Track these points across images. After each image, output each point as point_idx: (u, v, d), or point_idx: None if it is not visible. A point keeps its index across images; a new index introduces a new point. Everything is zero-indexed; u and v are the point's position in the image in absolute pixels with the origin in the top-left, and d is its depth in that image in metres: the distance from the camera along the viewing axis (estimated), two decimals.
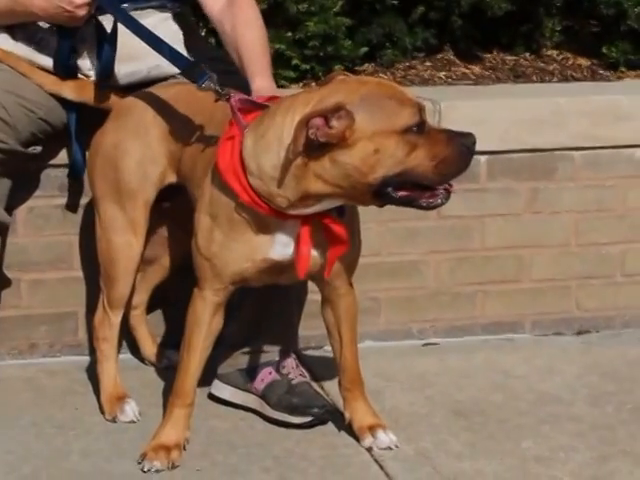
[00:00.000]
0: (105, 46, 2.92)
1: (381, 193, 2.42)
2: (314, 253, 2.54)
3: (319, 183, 2.41)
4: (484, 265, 3.53)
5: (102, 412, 2.90)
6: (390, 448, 2.73)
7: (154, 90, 2.93)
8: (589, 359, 3.38)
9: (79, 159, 3.09)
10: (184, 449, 2.66)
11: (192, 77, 2.69)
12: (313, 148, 2.38)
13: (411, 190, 2.43)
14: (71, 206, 3.27)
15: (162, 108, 2.83)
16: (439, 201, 2.45)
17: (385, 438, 2.74)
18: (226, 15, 2.94)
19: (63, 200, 3.26)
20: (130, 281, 2.90)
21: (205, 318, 2.63)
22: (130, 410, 2.87)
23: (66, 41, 2.95)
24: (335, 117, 2.36)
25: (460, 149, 2.42)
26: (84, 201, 3.24)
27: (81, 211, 3.27)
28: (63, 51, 2.97)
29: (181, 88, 2.86)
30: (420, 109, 2.42)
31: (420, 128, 2.40)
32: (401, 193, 2.44)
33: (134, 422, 2.86)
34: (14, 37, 3.01)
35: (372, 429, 2.76)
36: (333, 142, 2.37)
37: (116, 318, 2.92)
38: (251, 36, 2.89)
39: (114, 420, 2.86)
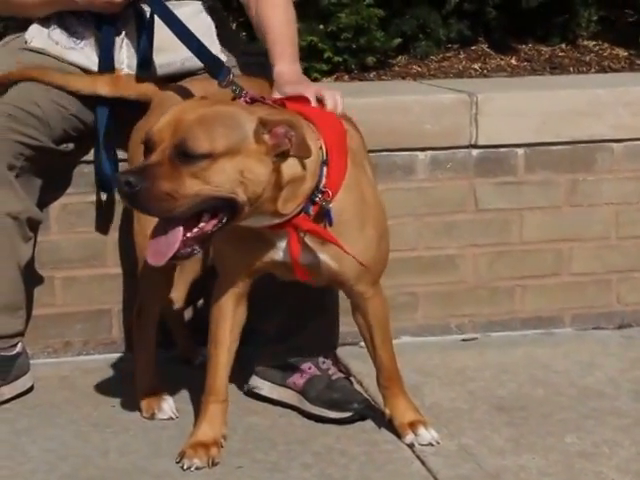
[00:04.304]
0: (142, 35, 2.89)
1: None
2: (324, 258, 2.52)
3: None
4: (523, 259, 3.49)
5: (139, 410, 2.88)
6: (432, 444, 2.69)
7: (196, 80, 2.90)
8: (631, 353, 3.34)
9: (106, 171, 3.03)
10: (222, 446, 2.63)
11: (214, 73, 2.70)
12: None
13: None
14: (104, 202, 3.24)
15: None
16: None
17: (426, 434, 2.71)
18: None
19: (96, 197, 3.23)
20: (168, 276, 2.88)
21: (228, 310, 2.62)
22: (168, 407, 2.85)
23: (109, 29, 2.93)
24: None
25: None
26: (118, 197, 3.21)
27: (115, 208, 3.24)
28: (107, 41, 2.94)
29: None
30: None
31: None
32: None
33: (172, 419, 2.84)
34: (49, 29, 2.99)
35: (413, 425, 2.72)
36: None
37: (154, 315, 2.89)
38: (275, 18, 2.84)
39: (152, 417, 2.84)
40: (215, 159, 2.29)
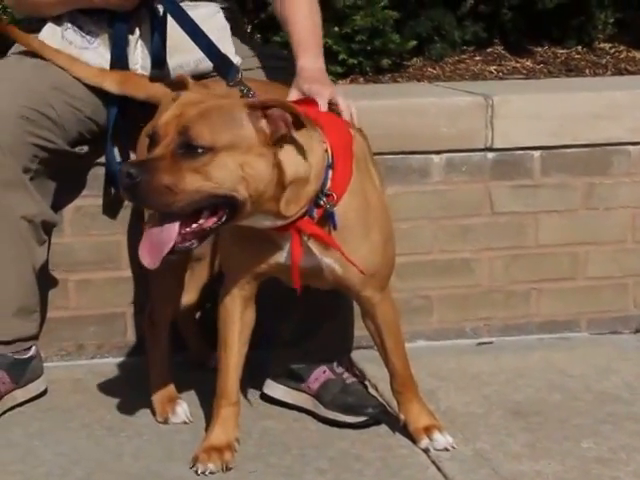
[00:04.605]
0: (155, 33, 2.89)
1: None
2: (329, 262, 2.51)
3: None
4: (539, 262, 3.47)
5: (153, 413, 2.87)
6: (447, 449, 2.67)
7: (206, 83, 2.87)
8: None
9: (115, 168, 3.02)
10: (235, 450, 2.62)
11: (222, 73, 2.71)
12: None
13: None
14: (119, 205, 3.23)
15: None
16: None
17: (442, 439, 2.69)
18: None
19: (110, 199, 3.22)
20: (179, 278, 2.88)
21: (235, 313, 2.61)
22: (182, 411, 2.84)
23: (122, 26, 2.92)
24: None
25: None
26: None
27: (128, 210, 3.23)
28: (120, 40, 2.93)
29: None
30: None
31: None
32: None
33: (186, 423, 2.82)
34: (62, 29, 2.98)
35: (428, 430, 2.70)
36: None
37: (166, 318, 2.89)
38: (299, 12, 2.84)
39: (165, 421, 2.83)
40: (216, 153, 2.28)
